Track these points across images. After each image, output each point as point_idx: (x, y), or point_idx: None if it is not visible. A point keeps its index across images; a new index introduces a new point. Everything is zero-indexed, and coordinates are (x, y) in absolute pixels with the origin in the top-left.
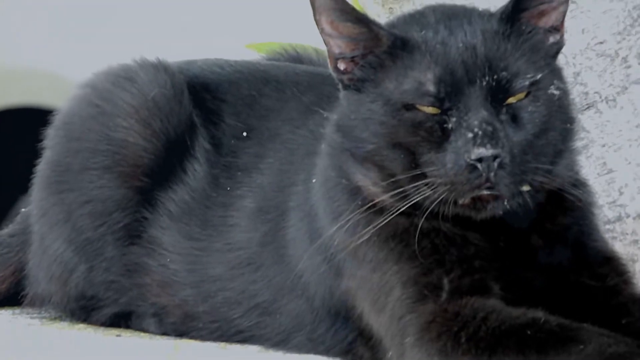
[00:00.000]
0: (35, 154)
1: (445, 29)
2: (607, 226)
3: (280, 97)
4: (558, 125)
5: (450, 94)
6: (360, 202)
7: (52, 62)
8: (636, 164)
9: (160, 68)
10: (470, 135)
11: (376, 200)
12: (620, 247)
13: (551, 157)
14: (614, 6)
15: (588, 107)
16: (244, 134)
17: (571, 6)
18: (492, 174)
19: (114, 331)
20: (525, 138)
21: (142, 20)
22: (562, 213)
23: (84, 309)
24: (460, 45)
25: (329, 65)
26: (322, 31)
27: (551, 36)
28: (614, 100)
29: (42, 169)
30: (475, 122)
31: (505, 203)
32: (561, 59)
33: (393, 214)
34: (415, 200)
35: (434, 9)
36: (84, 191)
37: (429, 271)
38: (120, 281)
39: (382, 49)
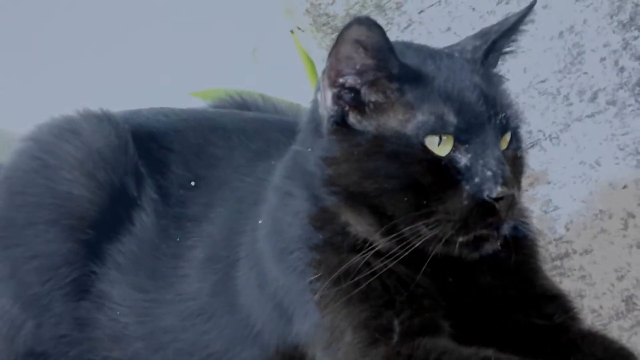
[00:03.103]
0: None
1: (441, 65)
2: (554, 262)
3: (228, 145)
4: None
5: (469, 128)
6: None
7: None
8: (581, 201)
9: (104, 118)
10: (489, 173)
11: (372, 243)
12: (568, 283)
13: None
14: (554, 45)
15: (532, 145)
16: (192, 183)
17: (511, 46)
18: (504, 214)
19: None
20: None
21: (84, 68)
22: (511, 251)
23: None
24: (467, 82)
25: (323, 99)
26: (328, 64)
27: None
28: (557, 137)
29: None
30: (494, 161)
31: (498, 243)
32: None
33: (391, 260)
34: (417, 244)
35: (406, 45)
36: (29, 246)
37: (379, 314)
38: (71, 335)
39: (388, 79)
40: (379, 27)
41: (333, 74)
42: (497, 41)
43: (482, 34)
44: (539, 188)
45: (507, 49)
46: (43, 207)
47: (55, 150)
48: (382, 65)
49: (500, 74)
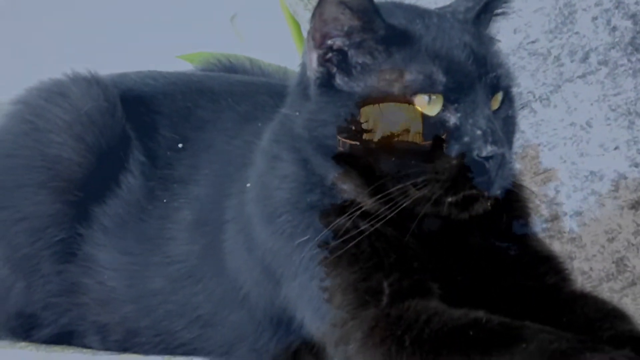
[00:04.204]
0: None
1: (431, 24)
2: (544, 225)
3: (216, 107)
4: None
5: (458, 87)
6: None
7: None
8: (571, 162)
9: (93, 82)
10: (479, 132)
11: (358, 203)
12: (558, 246)
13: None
14: (544, 4)
15: (522, 107)
16: (180, 145)
17: (503, 7)
18: (494, 173)
19: (57, 348)
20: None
21: (73, 33)
22: (503, 212)
23: (24, 327)
24: (457, 41)
25: (309, 61)
26: (312, 25)
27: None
28: (548, 99)
29: None
30: (483, 120)
31: (489, 203)
32: None
33: (379, 220)
34: (405, 204)
35: (395, 4)
36: (18, 208)
37: (368, 276)
38: (59, 302)
39: (374, 40)
40: None
41: (318, 35)
42: (489, 2)
43: None
44: (528, 150)
45: (499, 11)
46: (32, 169)
47: (44, 114)
48: (367, 26)
49: (490, 34)
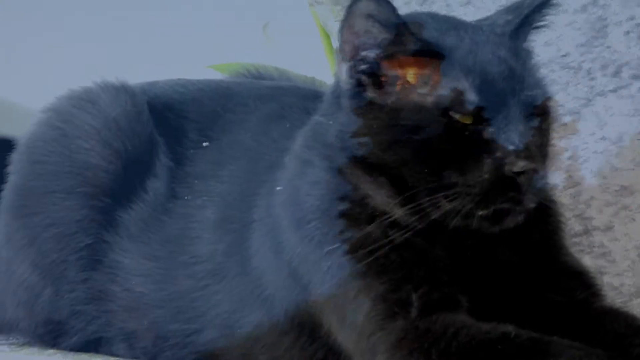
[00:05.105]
0: None
1: (465, 37)
2: (575, 239)
3: (244, 110)
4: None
5: (490, 104)
6: (365, 213)
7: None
8: (602, 177)
9: (122, 89)
10: (511, 147)
11: (390, 215)
12: (588, 260)
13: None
14: (577, 18)
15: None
16: (204, 144)
17: (543, 20)
18: (525, 188)
19: (84, 356)
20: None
21: (102, 45)
22: (535, 227)
23: (52, 334)
24: (491, 56)
25: (339, 73)
26: (341, 37)
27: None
28: (578, 113)
29: (7, 193)
30: (516, 135)
31: (521, 217)
32: None
33: (408, 230)
34: (434, 216)
35: (430, 16)
36: (47, 214)
37: (398, 287)
38: (86, 310)
39: (405, 53)
40: (387, 2)
41: (348, 47)
42: (529, 15)
43: (515, 8)
44: (559, 163)
45: (539, 24)
46: (61, 175)
47: (73, 120)
48: (397, 40)
49: (528, 48)
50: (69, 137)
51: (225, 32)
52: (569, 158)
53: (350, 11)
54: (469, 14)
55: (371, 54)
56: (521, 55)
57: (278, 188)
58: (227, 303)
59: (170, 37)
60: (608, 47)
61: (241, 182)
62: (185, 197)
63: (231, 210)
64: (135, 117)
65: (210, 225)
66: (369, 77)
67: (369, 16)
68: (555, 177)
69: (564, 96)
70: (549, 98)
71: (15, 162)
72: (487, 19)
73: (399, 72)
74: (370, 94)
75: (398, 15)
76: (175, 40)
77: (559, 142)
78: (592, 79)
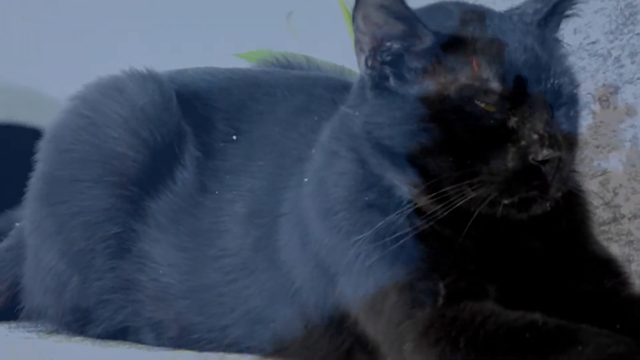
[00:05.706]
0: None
1: (491, 26)
2: (602, 227)
3: (271, 100)
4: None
5: (515, 93)
6: (394, 202)
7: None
8: (630, 165)
9: (149, 78)
10: (536, 136)
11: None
12: (616, 249)
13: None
14: (605, 5)
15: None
16: (234, 137)
17: (573, 8)
18: (550, 177)
19: (112, 343)
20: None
21: (128, 34)
22: (563, 215)
23: (79, 322)
24: (517, 44)
25: (359, 63)
26: (357, 28)
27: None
28: (607, 100)
29: (34, 182)
30: (540, 124)
31: (547, 205)
32: None
33: (434, 219)
34: (459, 204)
35: (456, 4)
36: (75, 202)
37: (425, 275)
38: (114, 299)
39: (424, 44)
40: None
41: (366, 38)
42: (558, 4)
43: None
44: (587, 151)
45: (568, 12)
46: (89, 164)
47: (101, 108)
48: (412, 32)
49: (557, 37)
50: (96, 126)
51: (253, 19)
52: (597, 147)
53: (362, 1)
54: (494, 2)
55: (391, 44)
56: (549, 43)
57: (305, 180)
58: (257, 298)
59: (197, 25)
60: (637, 34)
61: (270, 177)
62: (215, 192)
63: (260, 205)
64: (163, 105)
65: (240, 219)
66: (391, 68)
67: (382, 7)
68: (583, 165)
69: (592, 84)
70: (576, 86)
71: (43, 151)
72: (517, 7)
73: (421, 63)
74: (393, 84)
75: (408, 7)
76: (202, 27)
77: (588, 130)
78: (621, 66)
